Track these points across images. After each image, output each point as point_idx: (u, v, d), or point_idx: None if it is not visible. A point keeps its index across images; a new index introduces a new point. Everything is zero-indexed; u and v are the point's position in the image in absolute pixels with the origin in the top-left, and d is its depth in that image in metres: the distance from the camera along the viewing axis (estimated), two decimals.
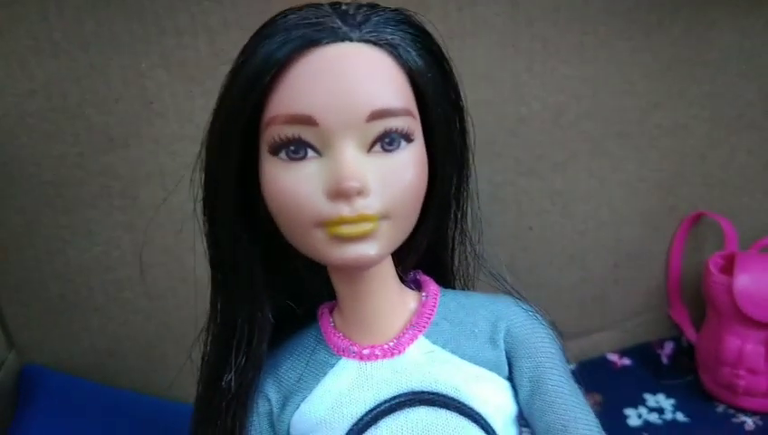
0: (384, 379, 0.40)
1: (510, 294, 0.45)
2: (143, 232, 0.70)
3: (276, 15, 0.38)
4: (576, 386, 0.46)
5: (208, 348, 0.44)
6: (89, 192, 0.68)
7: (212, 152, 0.39)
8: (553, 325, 0.46)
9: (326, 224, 0.36)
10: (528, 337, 0.43)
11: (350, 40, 0.36)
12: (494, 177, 0.76)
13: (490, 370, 0.42)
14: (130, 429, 0.71)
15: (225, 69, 0.65)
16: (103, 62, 0.63)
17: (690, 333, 0.90)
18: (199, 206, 0.42)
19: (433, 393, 0.40)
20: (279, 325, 0.43)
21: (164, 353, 0.75)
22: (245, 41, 0.64)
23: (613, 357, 0.92)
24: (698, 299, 0.88)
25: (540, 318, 0.44)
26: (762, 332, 0.78)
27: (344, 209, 0.35)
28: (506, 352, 0.43)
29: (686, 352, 0.91)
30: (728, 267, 0.81)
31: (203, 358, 0.45)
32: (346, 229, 0.36)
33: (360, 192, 0.35)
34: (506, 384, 0.43)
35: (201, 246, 0.71)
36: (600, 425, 0.45)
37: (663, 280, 0.90)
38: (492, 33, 0.71)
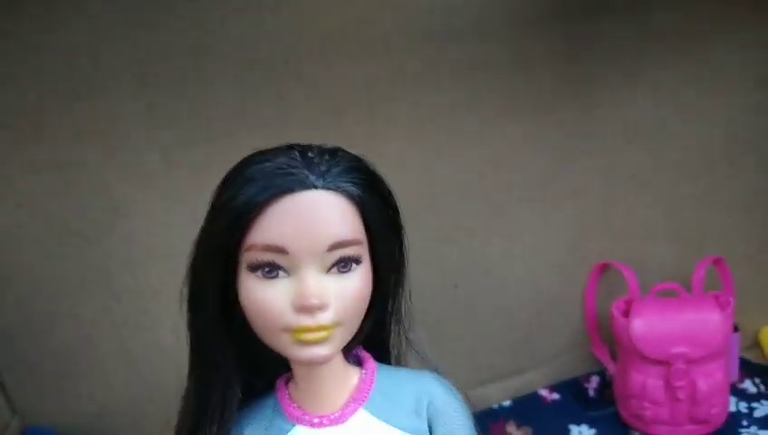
0: None
1: (433, 370, 0.55)
2: (120, 311, 0.84)
3: (254, 158, 0.46)
4: None
5: (186, 417, 0.52)
6: (71, 281, 0.81)
7: (198, 265, 0.47)
8: (465, 396, 0.54)
9: (291, 330, 0.45)
10: (445, 409, 0.52)
11: (315, 187, 0.44)
12: (416, 244, 0.89)
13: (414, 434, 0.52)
14: None
15: (176, 177, 0.80)
16: (76, 180, 0.78)
17: (612, 368, 1.01)
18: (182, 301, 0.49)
19: None
20: (242, 394, 0.52)
21: (144, 414, 0.88)
22: (193, 152, 0.79)
23: (544, 392, 1.03)
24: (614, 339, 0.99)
25: (454, 392, 0.54)
26: (659, 368, 0.89)
27: (306, 320, 0.44)
28: (428, 421, 0.52)
29: (610, 386, 1.02)
30: (630, 311, 0.92)
31: (178, 425, 0.53)
32: (307, 336, 0.45)
33: (320, 307, 0.44)
34: None
35: (171, 321, 0.84)
36: None
37: (583, 322, 1.02)
38: (400, 129, 0.84)
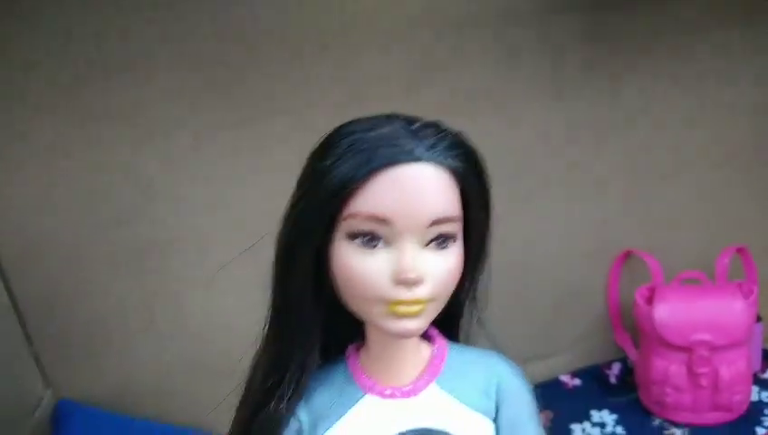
0: (400, 415, 0.49)
1: (501, 351, 0.55)
2: (149, 289, 0.86)
3: (355, 125, 0.46)
4: (542, 428, 0.55)
5: (264, 376, 0.52)
6: (102, 259, 0.84)
7: (293, 231, 0.47)
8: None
9: (387, 302, 0.44)
10: (513, 391, 0.53)
11: (422, 160, 0.44)
12: None
13: (482, 413, 0.52)
14: None
15: (205, 160, 0.81)
16: (108, 160, 0.80)
17: (633, 355, 1.01)
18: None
19: (438, 431, 0.49)
20: None
21: (172, 388, 0.90)
22: (221, 135, 0.81)
23: (565, 378, 1.04)
24: (637, 325, 0.99)
25: (522, 374, 0.54)
26: (682, 354, 0.89)
27: (404, 294, 0.44)
28: (495, 401, 0.52)
29: (631, 373, 1.02)
30: (653, 298, 0.93)
31: (251, 381, 0.53)
32: (402, 309, 0.44)
33: (417, 282, 0.44)
34: (493, 426, 0.52)
35: (197, 300, 0.86)
36: None
37: (606, 309, 1.02)
38: (427, 114, 0.84)
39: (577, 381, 1.03)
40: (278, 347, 0.51)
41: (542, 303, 0.99)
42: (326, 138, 0.47)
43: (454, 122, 0.85)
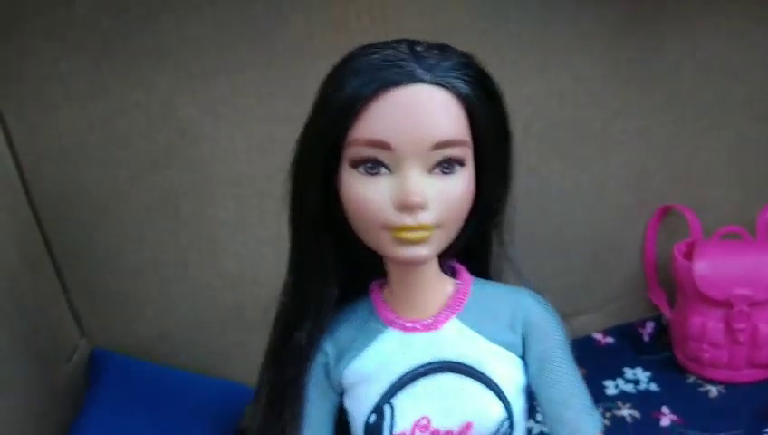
0: (422, 348, 0.50)
1: (529, 288, 0.55)
2: (184, 237, 0.85)
3: (361, 51, 0.45)
4: (575, 367, 0.55)
5: (284, 312, 0.53)
6: (138, 206, 0.83)
7: (301, 161, 0.48)
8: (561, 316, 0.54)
9: (392, 228, 0.45)
10: (541, 326, 0.52)
11: (423, 81, 0.43)
12: None
13: (507, 349, 0.52)
14: (179, 400, 0.86)
15: (242, 104, 0.80)
16: (146, 102, 0.79)
17: (668, 313, 1.00)
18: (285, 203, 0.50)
19: (460, 364, 0.50)
20: (339, 295, 0.52)
21: (206, 338, 0.90)
22: (260, 78, 0.79)
23: (598, 336, 1.03)
24: (674, 282, 0.98)
25: (551, 310, 0.54)
26: (720, 310, 0.88)
27: (407, 219, 0.44)
28: (522, 336, 0.52)
29: (665, 331, 1.01)
30: (691, 253, 0.91)
31: (276, 319, 0.54)
32: (407, 235, 0.45)
33: (421, 206, 0.44)
34: (519, 362, 0.53)
35: (233, 248, 0.85)
36: (592, 401, 0.55)
37: (641, 266, 1.01)
38: None
39: (610, 339, 1.02)
40: (297, 278, 0.52)
41: (577, 258, 0.98)
42: (332, 67, 0.46)
43: (493, 67, 0.83)
